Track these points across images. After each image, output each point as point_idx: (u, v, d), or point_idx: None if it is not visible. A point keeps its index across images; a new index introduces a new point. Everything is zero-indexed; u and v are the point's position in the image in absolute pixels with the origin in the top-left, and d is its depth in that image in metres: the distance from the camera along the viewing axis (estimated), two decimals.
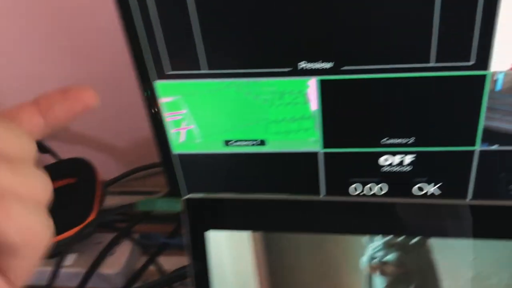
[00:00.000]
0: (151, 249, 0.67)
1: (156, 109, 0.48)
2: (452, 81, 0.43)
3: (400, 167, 0.49)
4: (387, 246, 0.42)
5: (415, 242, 0.41)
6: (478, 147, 0.47)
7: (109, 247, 0.64)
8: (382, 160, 0.49)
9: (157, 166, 0.75)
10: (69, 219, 0.60)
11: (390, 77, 0.43)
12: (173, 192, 0.54)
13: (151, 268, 0.66)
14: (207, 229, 0.40)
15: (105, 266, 0.63)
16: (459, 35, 0.41)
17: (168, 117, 0.48)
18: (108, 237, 0.66)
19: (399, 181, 0.50)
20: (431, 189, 0.50)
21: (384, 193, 0.51)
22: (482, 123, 0.45)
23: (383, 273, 0.42)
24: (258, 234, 0.41)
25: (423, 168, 0.49)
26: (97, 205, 0.62)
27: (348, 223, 0.41)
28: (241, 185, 0.52)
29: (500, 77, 0.42)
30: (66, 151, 0.80)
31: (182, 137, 0.49)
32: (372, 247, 0.42)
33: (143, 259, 0.67)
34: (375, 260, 0.42)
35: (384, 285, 0.42)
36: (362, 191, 0.51)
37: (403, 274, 0.42)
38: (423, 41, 0.41)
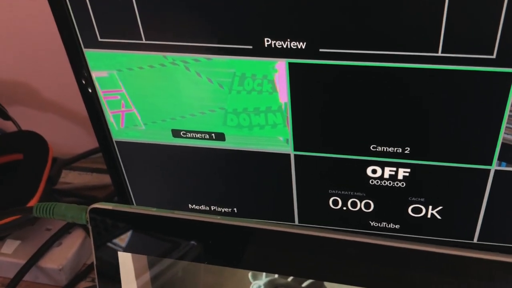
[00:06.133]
0: None
1: (87, 84, 0.38)
2: (465, 79, 0.32)
3: (392, 182, 0.39)
4: (270, 287, 0.32)
5: (308, 285, 0.31)
6: (493, 167, 0.36)
7: (56, 236, 0.56)
8: (370, 172, 0.38)
9: None
10: (8, 202, 0.52)
11: (383, 67, 0.33)
12: (120, 189, 0.45)
13: None
14: (116, 249, 0.31)
15: (48, 258, 0.55)
16: (478, 18, 0.30)
17: (105, 96, 0.39)
18: (60, 223, 0.58)
19: (390, 198, 0.40)
20: (430, 212, 0.40)
21: (372, 211, 0.41)
22: (501, 136, 0.34)
23: None
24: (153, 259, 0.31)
25: (420, 186, 0.38)
26: (42, 188, 0.53)
27: (233, 254, 0.31)
28: (191, 189, 0.43)
29: None
30: (37, 121, 0.72)
31: (122, 122, 0.40)
32: (256, 285, 0.32)
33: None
34: None
35: None
36: (345, 205, 0.41)
37: None
38: (429, 24, 0.30)
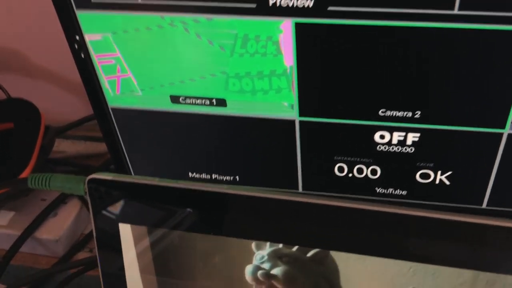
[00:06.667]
0: None
1: (80, 48, 0.36)
2: (481, 38, 0.30)
3: (400, 147, 0.37)
4: (274, 257, 0.31)
5: (313, 255, 0.30)
6: (506, 130, 0.34)
7: (52, 207, 0.55)
8: (378, 137, 0.37)
9: None
10: (0, 174, 0.50)
11: (395, 26, 0.31)
12: (117, 157, 0.43)
13: None
14: (116, 220, 0.29)
15: (45, 229, 0.53)
16: None
17: (99, 61, 0.37)
18: (56, 194, 0.56)
19: (398, 164, 0.38)
20: (439, 177, 0.39)
21: (379, 177, 0.39)
22: None
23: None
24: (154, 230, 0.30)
25: (429, 151, 0.37)
26: (35, 157, 0.51)
27: (235, 224, 0.30)
28: (191, 157, 0.41)
29: None
30: (27, 88, 0.70)
31: (118, 88, 0.38)
32: (259, 256, 0.31)
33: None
34: (261, 272, 0.31)
35: None
36: (350, 172, 0.40)
37: None
38: None
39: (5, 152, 0.51)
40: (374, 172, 0.39)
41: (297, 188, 0.42)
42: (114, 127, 0.40)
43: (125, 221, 0.30)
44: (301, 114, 0.37)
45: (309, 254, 0.30)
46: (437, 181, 0.39)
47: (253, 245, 0.31)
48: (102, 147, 0.69)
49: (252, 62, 0.34)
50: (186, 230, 0.30)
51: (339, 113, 0.36)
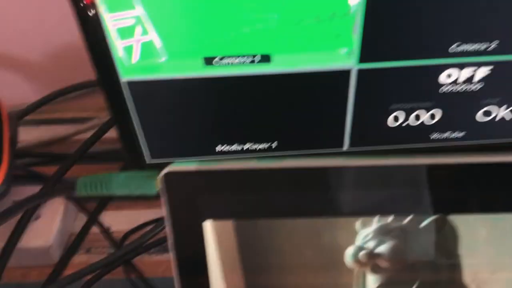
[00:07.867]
0: (91, 204, 0.50)
1: (87, 5, 0.28)
2: None
3: (467, 85, 0.33)
4: (381, 233, 0.26)
5: (429, 224, 0.26)
6: None
7: (33, 209, 0.46)
8: (444, 77, 0.33)
9: (91, 86, 0.55)
10: None
11: None
12: (130, 142, 0.36)
13: (95, 230, 0.49)
14: (201, 219, 0.23)
15: (31, 236, 0.45)
16: None
17: (112, 22, 0.29)
18: (27, 190, 0.48)
19: (460, 104, 0.34)
20: (502, 112, 0.35)
21: (436, 122, 0.35)
22: None
23: (374, 269, 0.27)
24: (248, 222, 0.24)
25: (498, 85, 0.33)
26: (7, 155, 0.42)
27: (339, 199, 0.25)
28: (221, 128, 0.35)
29: None
30: None
31: (136, 54, 0.30)
32: (363, 234, 0.27)
33: (81, 219, 0.49)
34: (363, 252, 0.27)
35: (377, 285, 0.28)
36: (406, 120, 0.35)
37: (403, 269, 0.27)
38: None
39: None
40: (432, 116, 0.35)
41: (341, 146, 0.37)
42: (127, 103, 0.33)
43: (210, 216, 0.24)
44: (362, 60, 0.31)
45: (424, 224, 0.26)
46: (498, 118, 0.35)
47: (357, 223, 0.26)
48: (59, 130, 0.60)
49: (308, 5, 0.28)
50: (282, 216, 0.24)
51: (406, 53, 0.31)
